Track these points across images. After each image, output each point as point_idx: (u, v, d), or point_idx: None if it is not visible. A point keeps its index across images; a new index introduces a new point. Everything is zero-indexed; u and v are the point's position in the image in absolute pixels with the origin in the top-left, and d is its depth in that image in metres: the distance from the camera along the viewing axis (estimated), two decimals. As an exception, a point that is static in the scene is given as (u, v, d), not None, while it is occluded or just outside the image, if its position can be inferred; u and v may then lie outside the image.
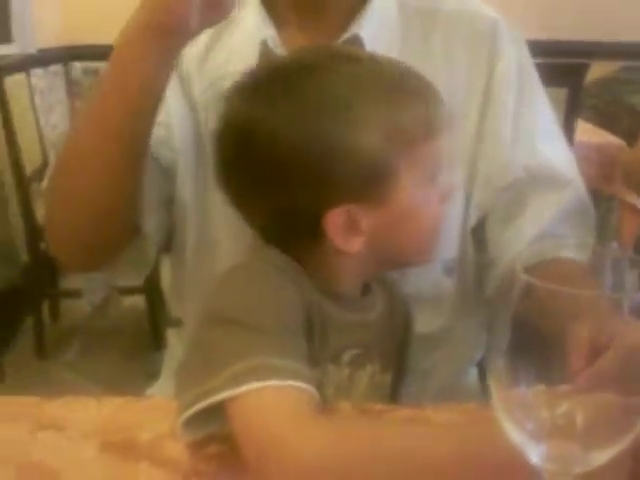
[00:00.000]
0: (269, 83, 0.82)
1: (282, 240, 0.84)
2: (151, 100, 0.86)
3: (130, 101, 0.85)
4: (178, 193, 1.03)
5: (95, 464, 0.68)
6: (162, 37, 0.82)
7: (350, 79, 0.81)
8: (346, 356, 0.83)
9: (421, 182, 0.82)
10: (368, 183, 0.79)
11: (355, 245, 0.81)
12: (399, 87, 0.81)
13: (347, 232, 0.80)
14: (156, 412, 0.76)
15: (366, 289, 0.89)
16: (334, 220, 0.79)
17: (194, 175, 1.03)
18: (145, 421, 0.74)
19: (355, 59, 0.83)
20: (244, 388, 0.68)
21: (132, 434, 0.72)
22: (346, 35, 0.97)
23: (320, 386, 0.76)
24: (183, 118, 1.02)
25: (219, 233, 1.02)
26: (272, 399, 0.68)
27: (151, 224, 1.00)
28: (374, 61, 0.84)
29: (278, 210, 0.82)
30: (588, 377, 0.53)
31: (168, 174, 1.02)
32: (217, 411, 0.69)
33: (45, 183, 1.00)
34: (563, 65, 2.43)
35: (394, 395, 0.92)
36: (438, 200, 0.85)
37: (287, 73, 0.82)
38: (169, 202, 1.03)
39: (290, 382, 0.69)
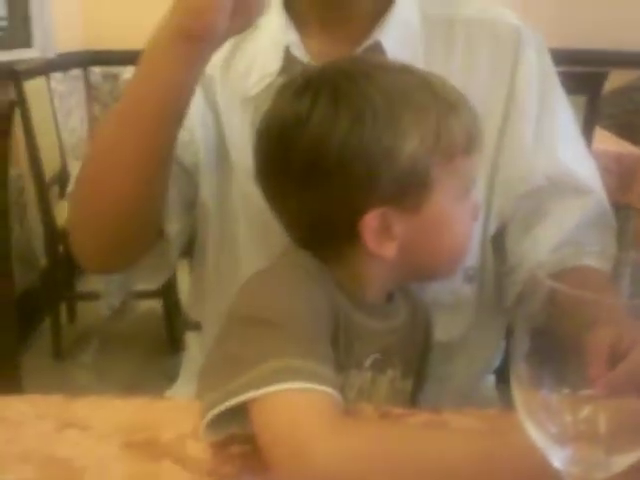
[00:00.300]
0: (317, 88, 0.82)
1: (314, 242, 0.84)
2: (179, 105, 0.87)
3: (159, 106, 0.86)
4: (200, 196, 1.04)
5: (118, 462, 0.69)
6: (191, 43, 0.82)
7: (399, 87, 0.82)
8: (368, 361, 0.84)
9: (456, 195, 0.83)
10: (405, 189, 0.80)
11: (388, 250, 0.81)
12: (444, 99, 0.82)
13: (381, 236, 0.81)
14: (178, 412, 0.77)
15: (389, 297, 0.90)
16: (369, 223, 0.80)
17: (216, 178, 1.04)
18: (167, 421, 0.75)
19: (400, 69, 0.85)
20: (268, 389, 0.68)
21: (155, 433, 0.73)
22: (368, 42, 0.97)
23: (343, 388, 0.77)
24: (206, 122, 1.03)
25: (240, 235, 1.03)
26: (297, 402, 0.69)
27: (174, 228, 1.01)
28: (416, 72, 0.85)
29: (315, 211, 0.82)
30: (608, 383, 0.53)
31: (191, 178, 1.02)
32: (240, 412, 0.70)
33: (71, 186, 1.01)
34: (582, 73, 2.43)
35: (413, 401, 0.93)
36: (470, 216, 0.87)
37: (336, 79, 0.82)
38: (191, 206, 1.04)
39: (315, 385, 0.69)
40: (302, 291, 0.78)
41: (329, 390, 0.70)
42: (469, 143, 0.83)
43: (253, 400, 0.69)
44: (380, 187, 0.79)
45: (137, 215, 0.92)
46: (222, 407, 0.69)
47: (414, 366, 0.92)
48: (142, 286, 1.08)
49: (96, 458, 0.70)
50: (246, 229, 1.02)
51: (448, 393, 1.04)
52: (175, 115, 0.87)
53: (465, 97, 0.84)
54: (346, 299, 0.82)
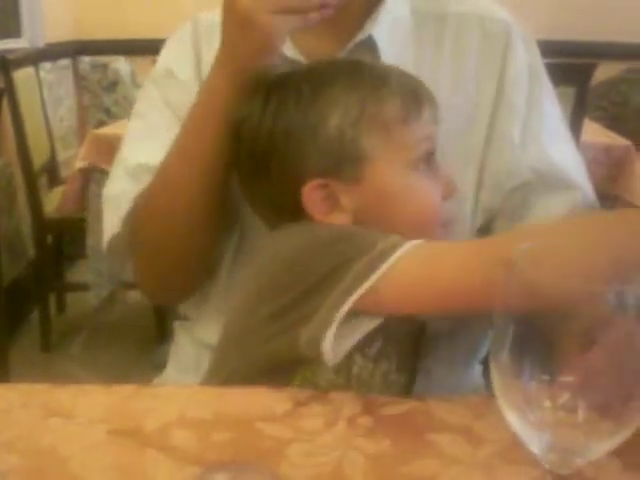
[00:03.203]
0: (265, 89, 0.89)
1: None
2: None
3: (219, 137, 0.90)
4: None
5: (103, 450, 0.69)
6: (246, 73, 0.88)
7: (327, 72, 0.88)
8: (373, 349, 0.85)
9: (402, 166, 0.85)
10: (340, 161, 0.84)
11: (338, 221, 0.85)
12: (372, 74, 0.87)
13: (329, 208, 0.85)
14: (163, 400, 0.77)
15: None
16: (311, 195, 0.84)
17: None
18: (152, 409, 0.75)
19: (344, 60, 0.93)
20: (397, 253, 0.75)
21: (139, 422, 0.73)
22: (359, 37, 0.97)
23: (346, 372, 0.82)
24: None
25: (255, 245, 1.03)
26: (429, 251, 0.79)
27: None
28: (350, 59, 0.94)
29: (268, 200, 0.90)
30: (578, 370, 0.53)
31: None
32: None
33: (127, 235, 1.02)
34: (571, 65, 2.44)
35: (407, 394, 0.93)
36: (438, 193, 0.88)
37: (279, 79, 0.90)
38: None
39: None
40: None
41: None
42: (407, 113, 0.85)
43: (383, 278, 0.75)
44: (311, 161, 0.84)
45: (200, 248, 0.98)
46: (354, 296, 0.74)
47: (409, 360, 0.92)
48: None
49: (81, 447, 0.70)
50: (258, 237, 1.02)
51: (435, 383, 1.04)
52: None
53: (408, 74, 0.88)
54: None
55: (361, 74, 0.87)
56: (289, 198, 0.86)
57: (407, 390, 0.93)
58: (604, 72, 3.23)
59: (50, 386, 0.80)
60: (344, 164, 0.84)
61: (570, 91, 2.35)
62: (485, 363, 1.18)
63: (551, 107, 1.05)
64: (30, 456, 0.68)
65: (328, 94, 0.85)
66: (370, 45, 0.97)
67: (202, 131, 0.91)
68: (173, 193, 0.94)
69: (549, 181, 1.01)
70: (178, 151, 0.94)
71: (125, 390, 0.79)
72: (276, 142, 0.86)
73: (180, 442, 0.70)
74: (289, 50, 0.98)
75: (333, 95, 0.85)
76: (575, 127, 2.26)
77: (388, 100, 0.85)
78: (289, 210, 0.87)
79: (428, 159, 0.87)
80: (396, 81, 0.86)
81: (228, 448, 0.69)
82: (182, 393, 0.77)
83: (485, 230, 1.03)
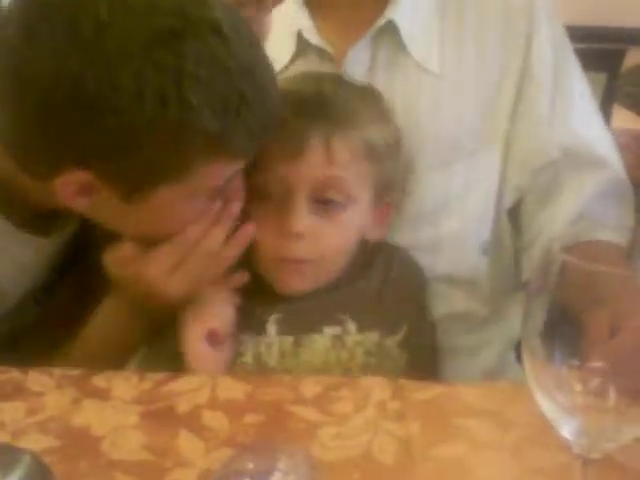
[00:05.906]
0: None
1: None
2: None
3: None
4: None
5: (135, 432, 0.70)
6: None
7: None
8: (270, 321, 0.89)
9: None
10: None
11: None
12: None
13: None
14: (195, 384, 0.78)
15: None
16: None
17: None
18: (184, 392, 0.76)
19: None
20: None
21: (171, 404, 0.74)
22: (381, 21, 0.97)
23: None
24: None
25: None
26: None
27: None
28: None
29: None
30: (608, 355, 0.53)
31: None
32: None
33: None
34: (600, 50, 2.41)
35: (434, 373, 0.93)
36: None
37: None
38: None
39: None
40: None
41: None
42: None
43: None
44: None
45: None
46: None
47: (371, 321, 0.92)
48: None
49: (113, 428, 0.71)
50: None
51: (474, 368, 1.04)
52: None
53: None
54: None
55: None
56: None
57: (432, 371, 0.93)
58: (633, 58, 3.18)
59: (84, 371, 0.80)
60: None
61: (600, 77, 2.32)
62: (518, 349, 1.17)
63: (579, 85, 1.04)
64: (63, 437, 0.70)
65: None
66: (392, 29, 0.97)
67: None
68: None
69: (578, 159, 1.00)
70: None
71: (157, 375, 0.80)
72: None
73: (211, 424, 0.71)
74: (314, 37, 0.98)
75: None
76: (605, 114, 2.23)
77: None
78: None
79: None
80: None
81: (259, 430, 0.70)
82: (213, 376, 0.78)
83: (515, 210, 1.03)
